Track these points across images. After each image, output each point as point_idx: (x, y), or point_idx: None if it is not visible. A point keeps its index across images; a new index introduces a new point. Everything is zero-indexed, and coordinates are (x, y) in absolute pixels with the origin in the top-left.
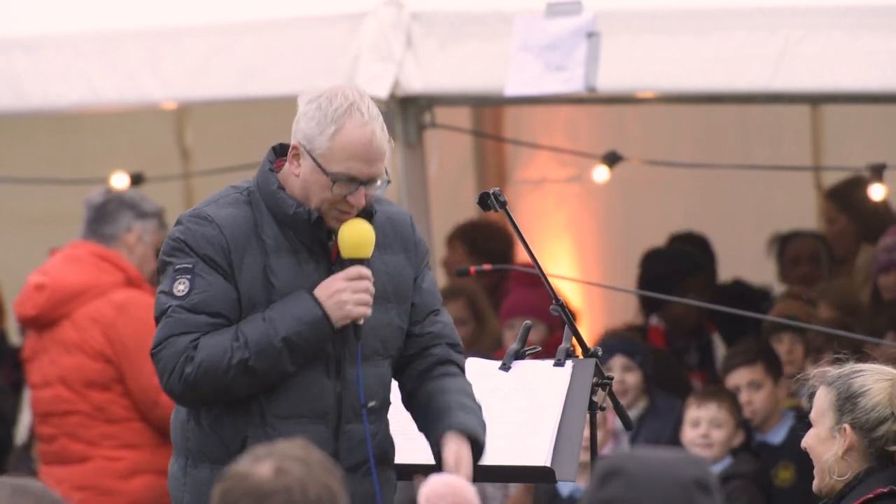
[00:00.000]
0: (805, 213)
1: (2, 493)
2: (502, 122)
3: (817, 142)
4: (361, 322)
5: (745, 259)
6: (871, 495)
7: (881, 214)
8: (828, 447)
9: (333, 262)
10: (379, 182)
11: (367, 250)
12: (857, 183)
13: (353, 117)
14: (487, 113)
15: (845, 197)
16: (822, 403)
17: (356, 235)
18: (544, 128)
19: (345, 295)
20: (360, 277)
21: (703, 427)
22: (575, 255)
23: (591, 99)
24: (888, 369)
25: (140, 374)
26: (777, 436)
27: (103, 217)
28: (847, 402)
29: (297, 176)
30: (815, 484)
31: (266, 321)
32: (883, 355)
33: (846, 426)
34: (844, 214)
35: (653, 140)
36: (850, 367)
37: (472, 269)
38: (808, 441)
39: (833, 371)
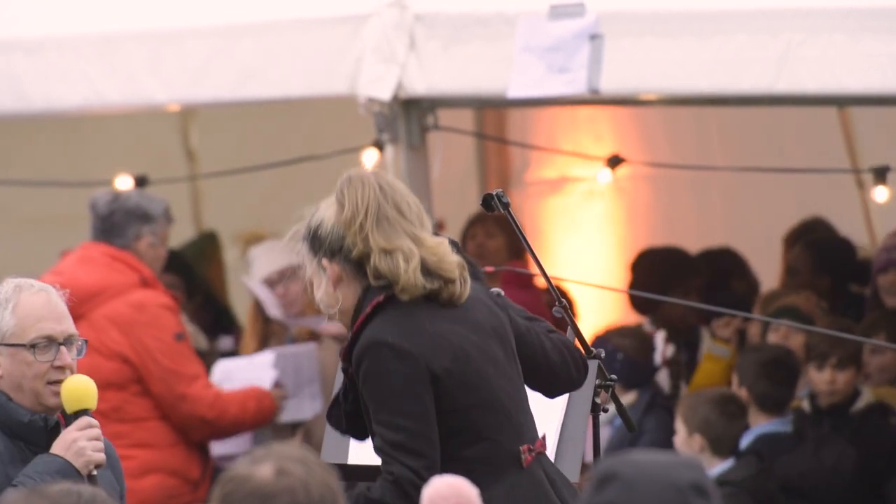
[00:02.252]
0: (847, 217)
1: (20, 495)
2: (505, 124)
3: (850, 143)
4: (95, 472)
5: (765, 261)
6: (368, 310)
7: (840, 250)
8: (318, 285)
9: (64, 426)
10: (77, 343)
11: (91, 401)
12: (812, 225)
13: (25, 290)
14: (490, 115)
15: (798, 239)
16: (302, 258)
17: (75, 389)
18: (548, 130)
19: (81, 442)
20: (90, 426)
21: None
22: (582, 257)
23: (593, 100)
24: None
25: (164, 372)
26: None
27: (111, 229)
28: (314, 241)
29: (2, 377)
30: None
31: (18, 486)
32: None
33: (324, 260)
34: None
35: (657, 143)
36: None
37: None
38: (315, 296)
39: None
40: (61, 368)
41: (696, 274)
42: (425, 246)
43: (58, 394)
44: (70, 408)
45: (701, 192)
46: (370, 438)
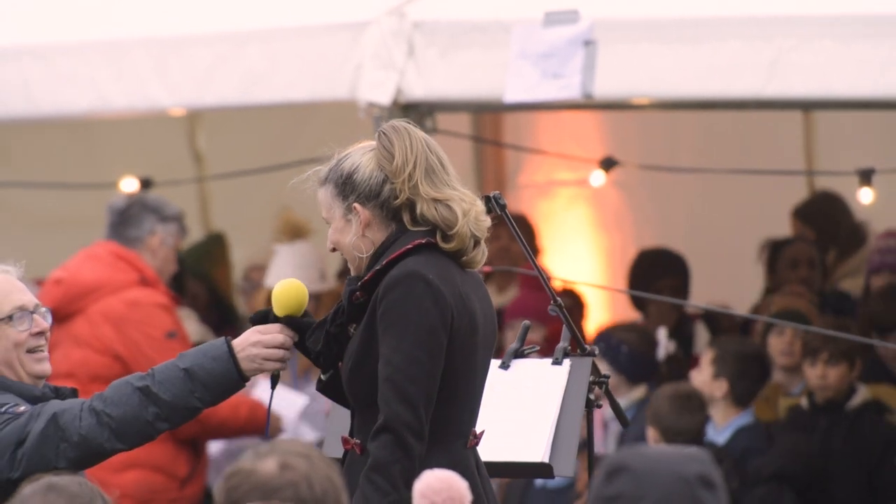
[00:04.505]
0: None
1: (36, 490)
2: (501, 128)
3: (809, 148)
4: (279, 373)
5: (744, 262)
6: (410, 246)
7: (854, 229)
8: (347, 233)
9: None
10: (44, 309)
11: (293, 310)
12: (824, 198)
13: None
14: (487, 119)
15: (811, 213)
16: (325, 200)
17: (282, 296)
18: (543, 133)
19: (256, 349)
20: (275, 332)
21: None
22: (575, 258)
23: (587, 105)
24: (369, 143)
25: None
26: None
27: (127, 220)
28: (346, 185)
29: None
30: (353, 273)
31: (177, 358)
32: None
33: (355, 205)
34: (811, 230)
35: (650, 145)
36: (336, 158)
37: None
38: (331, 238)
39: (320, 170)
40: (39, 334)
41: (683, 272)
42: (466, 200)
43: (41, 360)
44: (277, 311)
45: (692, 194)
46: (344, 374)
